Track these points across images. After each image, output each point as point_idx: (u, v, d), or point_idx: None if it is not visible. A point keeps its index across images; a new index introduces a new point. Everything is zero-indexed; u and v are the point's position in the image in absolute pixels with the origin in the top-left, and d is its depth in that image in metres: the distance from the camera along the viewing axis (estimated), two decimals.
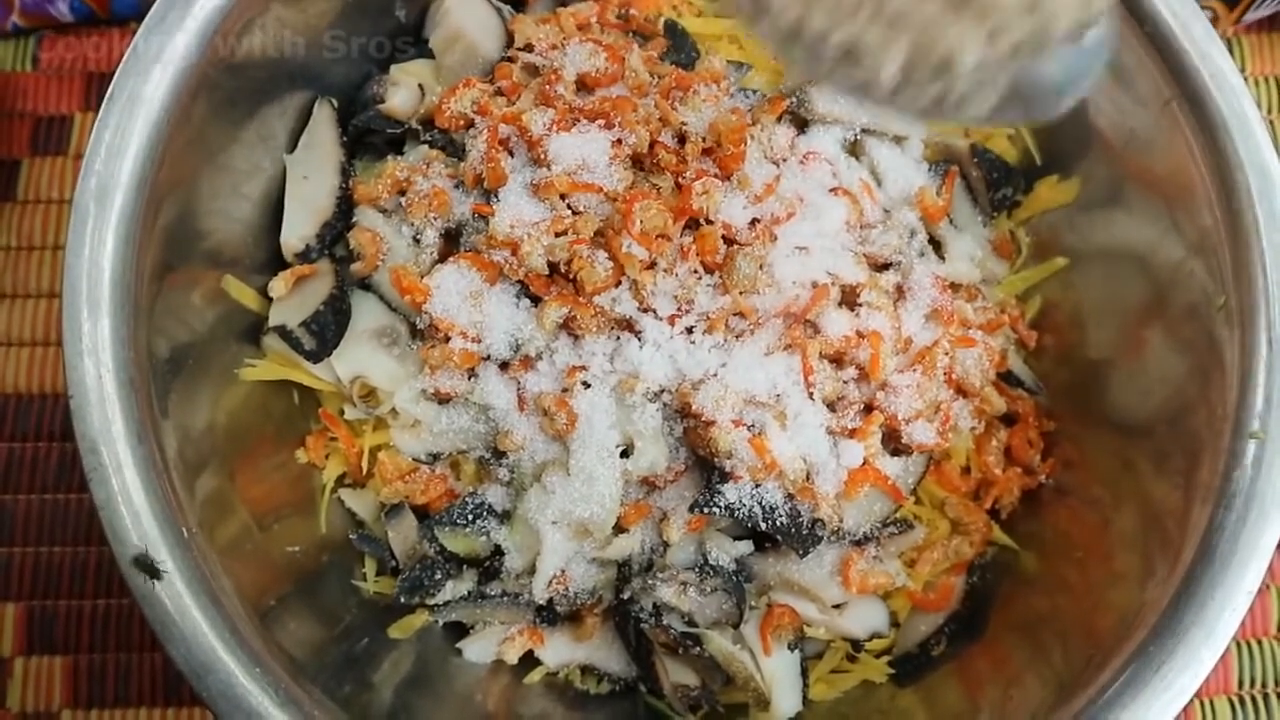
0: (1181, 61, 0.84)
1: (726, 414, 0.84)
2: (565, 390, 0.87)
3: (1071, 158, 0.98)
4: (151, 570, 0.71)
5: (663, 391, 0.86)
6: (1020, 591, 0.95)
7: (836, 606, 0.92)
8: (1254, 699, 1.03)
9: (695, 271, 0.88)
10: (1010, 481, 0.95)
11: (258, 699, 0.71)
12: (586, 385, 0.86)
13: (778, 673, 0.90)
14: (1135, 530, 0.85)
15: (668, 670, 0.91)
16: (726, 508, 0.85)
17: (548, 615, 0.93)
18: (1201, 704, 1.03)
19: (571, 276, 0.87)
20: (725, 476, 0.85)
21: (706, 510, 0.86)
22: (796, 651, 0.91)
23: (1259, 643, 1.04)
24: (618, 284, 0.87)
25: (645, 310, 0.86)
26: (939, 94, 0.53)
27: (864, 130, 0.98)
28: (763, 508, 0.85)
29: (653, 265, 0.87)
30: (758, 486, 0.85)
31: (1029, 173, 1.02)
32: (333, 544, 0.93)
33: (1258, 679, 1.03)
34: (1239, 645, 1.03)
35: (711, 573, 0.89)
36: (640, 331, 0.86)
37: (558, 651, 0.94)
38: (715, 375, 0.86)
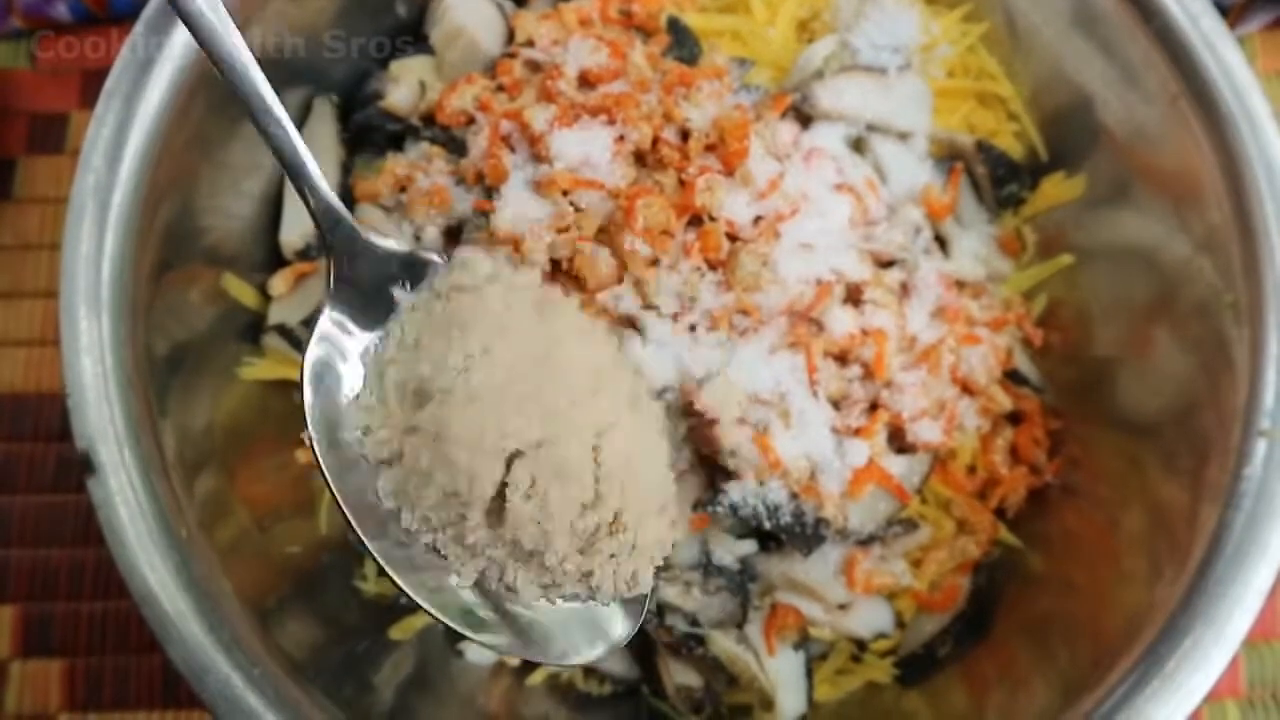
0: (1190, 56, 0.83)
1: (730, 412, 0.83)
2: None
3: (1078, 154, 0.97)
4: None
5: (666, 390, 0.85)
6: (1027, 592, 0.94)
7: (841, 607, 0.92)
8: (1263, 702, 1.02)
9: (698, 269, 0.87)
10: (1016, 481, 0.95)
11: (257, 700, 0.71)
12: None
13: (782, 673, 0.89)
14: (1143, 530, 0.84)
15: (671, 671, 0.91)
16: (730, 507, 0.84)
17: None
18: (1209, 707, 1.02)
19: (574, 274, 0.86)
20: (729, 475, 0.85)
21: (710, 509, 0.85)
22: (801, 652, 0.91)
23: (1268, 645, 1.03)
24: (620, 281, 0.86)
25: (648, 308, 0.86)
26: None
27: (868, 127, 0.97)
28: (767, 507, 0.85)
29: (656, 262, 0.87)
30: (762, 485, 0.85)
31: (1035, 169, 1.01)
32: (333, 544, 0.93)
33: (1267, 681, 1.03)
34: (1247, 647, 1.03)
35: (715, 572, 0.89)
36: (643, 329, 0.85)
37: None
38: (719, 373, 0.85)
